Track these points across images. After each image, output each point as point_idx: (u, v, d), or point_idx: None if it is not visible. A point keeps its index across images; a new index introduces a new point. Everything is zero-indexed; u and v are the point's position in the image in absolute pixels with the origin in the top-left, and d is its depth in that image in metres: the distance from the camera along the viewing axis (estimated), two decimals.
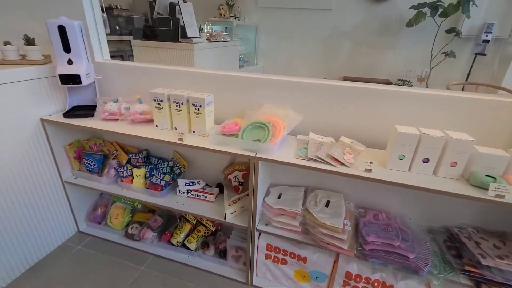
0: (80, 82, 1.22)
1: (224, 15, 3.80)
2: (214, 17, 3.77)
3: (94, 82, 1.33)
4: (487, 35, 3.54)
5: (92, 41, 1.37)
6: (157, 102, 1.14)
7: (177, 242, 1.44)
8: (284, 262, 1.22)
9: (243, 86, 1.22)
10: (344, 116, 1.13)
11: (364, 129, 1.12)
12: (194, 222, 1.48)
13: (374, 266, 1.03)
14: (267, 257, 1.25)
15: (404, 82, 4.06)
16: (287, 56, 4.22)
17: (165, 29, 2.54)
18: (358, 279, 1.10)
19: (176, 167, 1.37)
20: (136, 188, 1.35)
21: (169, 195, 1.33)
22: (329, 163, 0.94)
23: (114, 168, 1.40)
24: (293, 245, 1.18)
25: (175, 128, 1.18)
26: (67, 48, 1.19)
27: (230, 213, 1.17)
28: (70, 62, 1.21)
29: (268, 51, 4.37)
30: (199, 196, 1.30)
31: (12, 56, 1.25)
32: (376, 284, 1.08)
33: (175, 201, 1.30)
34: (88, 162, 1.41)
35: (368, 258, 0.99)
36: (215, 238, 1.46)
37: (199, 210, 1.24)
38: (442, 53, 3.73)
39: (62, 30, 1.16)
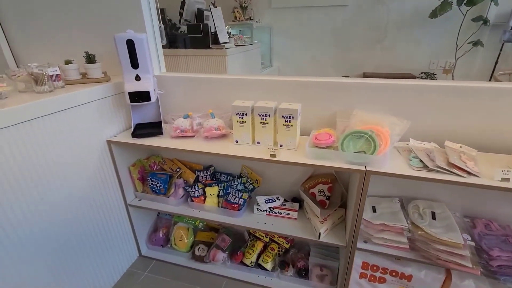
0: (149, 99, 1.14)
1: (239, 18, 3.72)
2: (233, 21, 3.69)
3: (157, 97, 1.24)
4: None
5: (151, 53, 1.28)
6: (240, 116, 1.05)
7: (251, 262, 1.35)
8: (383, 280, 1.13)
9: (321, 92, 1.12)
10: (445, 118, 1.03)
11: (470, 131, 1.02)
12: (267, 239, 1.38)
13: (506, 284, 0.93)
14: (362, 276, 1.15)
15: (428, 75, 3.95)
16: (303, 56, 4.13)
17: (195, 36, 2.45)
18: None
19: (249, 183, 1.28)
20: (209, 208, 1.25)
21: (246, 213, 1.24)
22: (455, 174, 0.84)
23: (183, 187, 1.31)
24: (394, 263, 1.08)
25: (258, 143, 1.08)
26: (134, 64, 1.11)
27: (324, 231, 1.08)
28: (137, 78, 1.12)
29: (282, 52, 4.28)
30: (281, 213, 1.21)
31: (73, 75, 1.17)
32: None
33: (254, 220, 1.21)
34: (153, 182, 1.32)
35: (498, 276, 0.89)
36: (290, 256, 1.37)
37: (284, 229, 1.15)
38: (469, 43, 3.62)
39: (130, 44, 1.07)
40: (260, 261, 1.35)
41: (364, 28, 3.76)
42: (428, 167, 0.87)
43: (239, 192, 1.20)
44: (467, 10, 3.47)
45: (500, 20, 3.47)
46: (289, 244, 1.37)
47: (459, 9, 3.46)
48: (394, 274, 1.09)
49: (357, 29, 3.80)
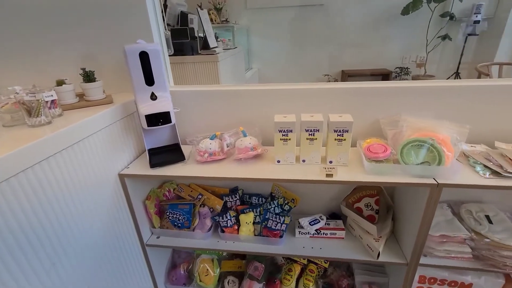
0: (169, 121, 0.96)
1: (215, 20, 3.56)
2: (212, 23, 3.52)
3: None
4: (476, 16, 3.70)
5: None
6: (284, 133, 0.92)
7: None
8: None
9: (359, 98, 1.04)
10: (490, 118, 1.01)
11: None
12: (305, 261, 1.27)
13: None
14: None
15: (402, 70, 4.14)
16: (281, 57, 4.11)
17: (181, 42, 2.25)
18: None
19: (285, 204, 1.15)
20: (245, 238, 1.10)
21: (287, 239, 1.11)
22: None
23: (210, 218, 1.15)
24: (454, 273, 1.03)
25: (303, 161, 0.96)
26: (149, 80, 0.92)
27: (382, 250, 0.99)
28: (153, 97, 0.94)
29: (261, 53, 4.21)
30: (327, 234, 1.10)
31: (69, 98, 0.94)
32: None
33: (299, 245, 1.08)
34: (174, 215, 1.13)
35: None
36: (331, 276, 1.27)
37: (336, 253, 1.04)
38: (438, 37, 3.86)
39: (144, 57, 0.89)
40: (300, 287, 1.23)
41: (340, 26, 3.82)
42: (500, 173, 0.82)
43: (279, 217, 1.07)
44: (435, 7, 3.67)
45: (464, 15, 3.73)
46: (327, 262, 1.27)
47: (428, 5, 3.65)
48: (453, 284, 1.04)
49: (333, 27, 3.84)
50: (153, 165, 0.99)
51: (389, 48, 3.99)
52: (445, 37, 3.80)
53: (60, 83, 0.92)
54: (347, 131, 0.89)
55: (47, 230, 0.70)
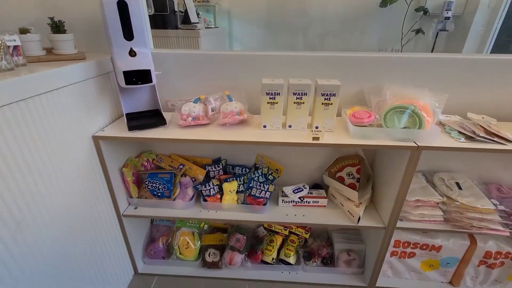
0: (149, 80, 0.90)
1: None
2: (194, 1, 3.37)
3: None
4: (447, 12, 3.91)
5: None
6: (271, 96, 0.90)
7: (272, 259, 1.23)
8: (412, 255, 1.14)
9: (344, 67, 1.04)
10: (464, 91, 1.06)
11: (487, 102, 1.06)
12: (286, 232, 1.28)
13: None
14: (393, 254, 1.14)
15: None
16: (260, 43, 4.05)
17: (161, 15, 2.13)
18: (498, 256, 1.07)
19: (269, 174, 1.15)
20: (228, 206, 1.09)
21: (270, 207, 1.11)
22: (498, 142, 0.86)
23: (192, 187, 1.11)
24: (425, 236, 1.10)
25: (290, 126, 0.95)
26: (129, 34, 0.85)
27: (362, 216, 1.02)
28: (133, 53, 0.87)
29: (242, 38, 4.13)
30: (309, 202, 1.11)
31: (35, 50, 0.85)
32: None
33: (282, 213, 1.09)
34: (154, 184, 1.08)
35: None
36: (312, 246, 1.29)
37: (318, 219, 1.06)
38: (412, 31, 4.02)
39: (122, 8, 0.81)
40: (282, 256, 1.24)
41: (318, 16, 3.83)
42: (473, 138, 0.87)
43: (263, 185, 1.06)
44: (411, 1, 3.80)
45: (437, 11, 3.91)
46: (308, 233, 1.29)
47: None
48: (424, 247, 1.11)
49: (312, 17, 3.85)
50: (131, 127, 0.92)
51: (366, 40, 4.09)
52: (418, 31, 3.97)
53: (23, 31, 0.82)
54: (334, 95, 0.89)
55: (11, 187, 0.63)
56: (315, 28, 3.92)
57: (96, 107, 0.94)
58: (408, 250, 1.13)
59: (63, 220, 0.81)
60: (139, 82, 0.88)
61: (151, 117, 1.01)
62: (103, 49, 1.02)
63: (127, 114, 0.98)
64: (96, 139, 0.91)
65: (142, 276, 1.23)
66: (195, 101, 0.98)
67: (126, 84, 0.86)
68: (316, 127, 0.94)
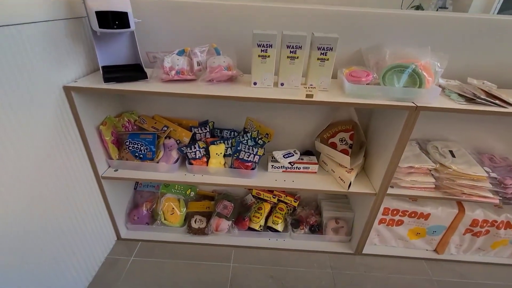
0: (127, 25, 0.80)
1: None
2: None
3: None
4: None
5: None
6: (263, 49, 0.82)
7: (260, 226, 1.21)
8: (400, 223, 1.13)
9: (339, 24, 0.95)
10: (465, 55, 1.00)
11: (487, 67, 1.01)
12: (275, 200, 1.25)
13: None
14: (381, 221, 1.13)
15: None
16: None
17: None
18: (484, 224, 1.08)
19: (258, 138, 1.09)
20: (215, 170, 1.03)
21: (259, 173, 1.07)
22: (499, 105, 0.82)
23: (177, 149, 1.04)
24: (414, 204, 1.09)
25: (282, 84, 0.89)
26: None
27: (353, 180, 0.99)
28: None
29: None
30: (300, 168, 1.07)
31: None
32: (500, 225, 1.08)
33: (271, 178, 1.05)
34: (136, 145, 1.01)
35: None
36: (300, 214, 1.28)
37: (308, 185, 1.03)
38: (412, 7, 3.89)
39: None
40: (269, 224, 1.23)
41: None
42: (474, 100, 0.83)
43: (252, 148, 1.00)
44: None
45: None
46: (297, 202, 1.27)
47: None
48: (413, 215, 1.10)
49: None
50: (107, 79, 0.84)
51: None
52: (418, 7, 3.85)
53: None
54: (331, 49, 0.82)
55: None
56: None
57: (68, 56, 0.84)
58: (397, 218, 1.12)
59: (36, 182, 0.74)
60: (115, 26, 0.78)
61: (131, 71, 0.92)
62: None
63: (103, 67, 0.89)
64: (67, 90, 0.82)
65: (125, 241, 1.20)
66: (179, 54, 0.89)
67: (100, 27, 0.77)
68: (311, 85, 0.87)
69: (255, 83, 0.88)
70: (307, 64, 0.87)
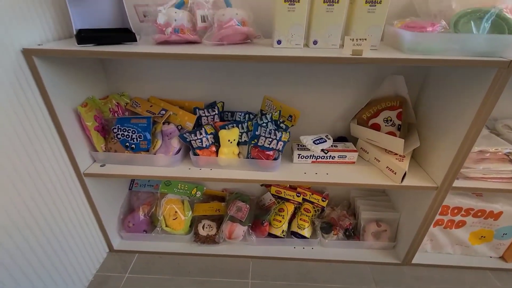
0: None
1: None
2: None
3: None
4: None
5: None
6: None
7: (283, 232, 0.99)
8: (461, 224, 0.90)
9: None
10: None
11: None
12: (300, 199, 1.03)
13: None
14: (438, 223, 0.90)
15: None
16: None
17: None
18: None
19: (280, 121, 0.87)
20: (227, 162, 0.81)
21: (283, 164, 0.84)
22: None
23: (178, 136, 0.83)
24: (481, 201, 0.85)
25: (315, 43, 0.66)
26: None
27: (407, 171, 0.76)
28: None
29: None
30: (335, 157, 0.84)
31: None
32: None
33: (300, 171, 0.82)
34: (126, 132, 0.80)
35: None
36: (330, 215, 1.05)
37: (347, 178, 0.80)
38: None
39: None
40: (294, 229, 1.00)
41: None
42: None
43: (275, 132, 0.78)
44: None
45: None
46: (326, 200, 1.04)
47: None
48: (479, 214, 0.87)
49: None
50: (81, 39, 0.62)
51: None
52: None
53: None
54: None
55: None
56: None
57: (31, 13, 0.63)
58: (458, 218, 0.88)
59: None
60: None
61: (113, 33, 0.70)
62: None
63: (79, 30, 0.67)
64: (28, 54, 0.61)
65: (119, 253, 0.98)
66: (178, 6, 0.67)
67: None
68: (356, 41, 0.65)
69: (279, 42, 0.66)
70: (349, 11, 0.64)
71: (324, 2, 0.61)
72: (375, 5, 0.61)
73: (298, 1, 0.61)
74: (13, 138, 0.60)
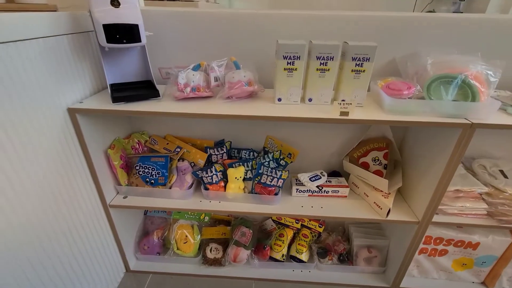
0: (137, 39, 0.72)
1: None
2: None
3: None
4: None
5: None
6: (289, 61, 0.72)
7: (282, 256, 1.09)
8: (444, 253, 0.99)
9: (368, 31, 0.86)
10: None
11: None
12: (298, 225, 1.13)
13: None
14: (422, 251, 1.00)
15: None
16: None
17: None
18: None
19: (280, 158, 0.98)
20: (234, 196, 0.93)
21: (283, 198, 0.95)
22: None
23: (191, 173, 0.95)
24: (461, 232, 0.95)
25: (310, 100, 0.79)
26: None
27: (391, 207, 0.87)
28: (115, 2, 0.69)
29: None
30: (328, 192, 0.95)
31: None
32: None
33: (297, 204, 0.93)
34: (146, 169, 0.92)
35: None
36: (326, 241, 1.15)
37: (339, 212, 0.90)
38: (426, 11, 3.80)
39: None
40: (293, 253, 1.10)
41: None
42: None
43: (275, 171, 0.89)
44: None
45: None
46: (322, 227, 1.14)
47: None
48: (459, 244, 0.96)
49: None
50: (115, 99, 0.75)
51: None
52: (430, 11, 3.76)
53: None
54: (368, 59, 0.71)
55: None
56: (321, 5, 3.61)
57: (73, 74, 0.76)
58: (440, 247, 0.98)
59: (32, 211, 0.65)
60: (124, 41, 0.70)
61: (141, 89, 0.83)
62: (81, 4, 0.83)
63: (112, 85, 0.81)
64: (72, 112, 0.73)
65: (135, 274, 1.09)
66: (195, 69, 0.80)
67: (108, 42, 0.68)
68: (343, 100, 0.77)
69: (279, 99, 0.78)
70: (338, 76, 0.76)
71: (317, 70, 0.74)
72: (360, 74, 0.73)
73: (296, 70, 0.73)
74: (57, 177, 0.72)
